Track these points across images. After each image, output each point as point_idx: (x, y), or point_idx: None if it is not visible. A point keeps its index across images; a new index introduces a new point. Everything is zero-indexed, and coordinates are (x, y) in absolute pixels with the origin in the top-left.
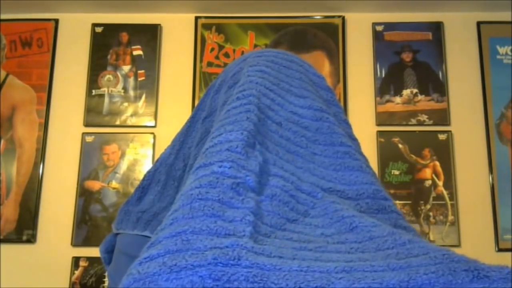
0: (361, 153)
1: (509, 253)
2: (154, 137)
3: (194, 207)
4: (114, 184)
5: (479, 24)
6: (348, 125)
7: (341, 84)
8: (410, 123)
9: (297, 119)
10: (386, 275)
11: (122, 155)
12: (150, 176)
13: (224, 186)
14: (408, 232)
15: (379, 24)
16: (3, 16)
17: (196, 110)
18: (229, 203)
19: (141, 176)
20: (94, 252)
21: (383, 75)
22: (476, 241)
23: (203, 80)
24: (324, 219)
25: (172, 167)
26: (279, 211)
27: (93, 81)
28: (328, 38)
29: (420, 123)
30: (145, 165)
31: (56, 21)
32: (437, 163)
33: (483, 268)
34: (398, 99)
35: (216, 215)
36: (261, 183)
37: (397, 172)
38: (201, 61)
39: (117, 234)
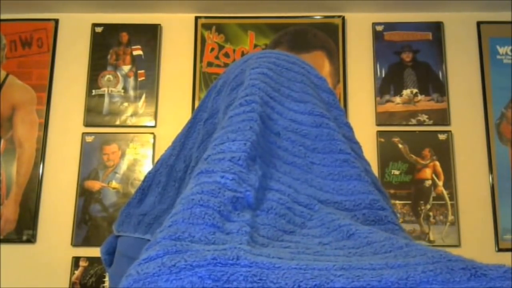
0: (361, 158)
1: (509, 253)
2: (154, 137)
3: (194, 212)
4: (114, 184)
5: (479, 24)
6: (349, 128)
7: (341, 84)
8: (410, 123)
9: (296, 127)
10: (385, 273)
11: (122, 155)
12: (150, 177)
13: (225, 198)
14: (405, 239)
15: (379, 24)
16: (3, 16)
17: (197, 111)
18: (228, 216)
19: (141, 176)
20: (94, 252)
21: (383, 75)
22: (476, 241)
23: (203, 80)
24: (321, 229)
25: (173, 168)
26: (276, 223)
27: (93, 81)
28: (328, 38)
29: (420, 123)
30: (145, 165)
31: (56, 21)
32: (437, 163)
33: (481, 266)
34: (398, 99)
35: (216, 226)
36: (257, 198)
37: (397, 172)
38: (201, 61)
39: (118, 235)
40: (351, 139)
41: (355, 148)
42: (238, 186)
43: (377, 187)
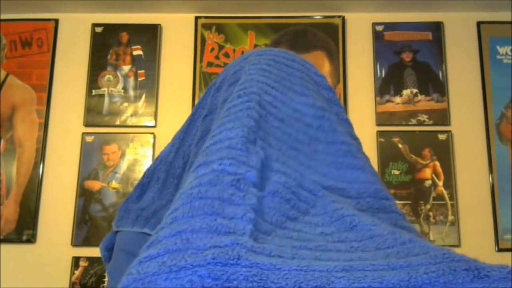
0: (362, 153)
1: (509, 253)
2: (154, 137)
3: (194, 206)
4: (114, 184)
5: (479, 24)
6: (349, 124)
7: (341, 84)
8: (410, 123)
9: (299, 116)
10: (386, 274)
11: (122, 155)
12: (149, 173)
13: (224, 184)
14: (408, 232)
15: (379, 24)
16: (3, 16)
17: (196, 108)
18: (230, 200)
19: (141, 176)
20: (94, 252)
21: (383, 75)
22: (476, 241)
23: (203, 80)
24: (324, 217)
25: (172, 164)
26: (281, 208)
27: (93, 81)
28: (328, 38)
29: (420, 123)
30: (145, 165)
31: (56, 21)
32: (437, 163)
33: (484, 267)
34: (398, 99)
35: (216, 213)
36: (263, 178)
37: (397, 172)
38: (201, 61)
39: (117, 232)
40: (351, 135)
41: (356, 143)
42: (237, 169)
43: (378, 179)
